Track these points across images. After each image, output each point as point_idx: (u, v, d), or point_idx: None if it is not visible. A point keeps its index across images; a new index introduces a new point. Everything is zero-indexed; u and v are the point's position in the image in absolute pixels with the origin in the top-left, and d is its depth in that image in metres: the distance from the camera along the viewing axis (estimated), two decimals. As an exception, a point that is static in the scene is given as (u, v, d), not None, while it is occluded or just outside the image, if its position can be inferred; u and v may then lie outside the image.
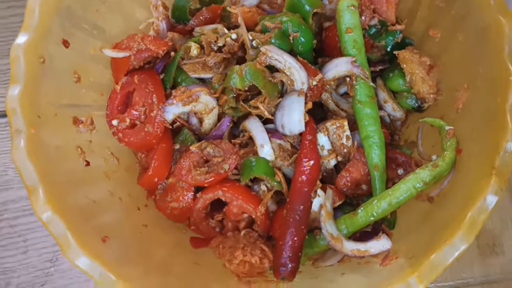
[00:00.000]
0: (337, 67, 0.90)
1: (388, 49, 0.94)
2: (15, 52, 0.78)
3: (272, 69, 0.89)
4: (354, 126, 0.91)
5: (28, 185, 0.73)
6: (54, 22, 0.84)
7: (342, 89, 0.96)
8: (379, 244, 0.79)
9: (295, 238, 0.79)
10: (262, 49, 0.85)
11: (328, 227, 0.81)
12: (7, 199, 1.14)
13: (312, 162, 0.84)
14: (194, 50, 0.91)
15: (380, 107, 0.93)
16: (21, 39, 0.79)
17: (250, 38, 0.90)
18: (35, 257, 1.10)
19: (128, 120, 0.92)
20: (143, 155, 0.95)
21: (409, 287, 0.66)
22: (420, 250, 0.70)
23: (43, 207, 0.72)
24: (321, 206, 0.83)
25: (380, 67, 0.95)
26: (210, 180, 0.84)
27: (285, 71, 0.86)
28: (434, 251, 0.66)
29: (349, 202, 0.89)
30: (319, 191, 0.84)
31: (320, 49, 0.99)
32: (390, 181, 0.88)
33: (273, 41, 0.88)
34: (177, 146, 0.92)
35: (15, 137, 0.75)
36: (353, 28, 0.91)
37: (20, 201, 1.14)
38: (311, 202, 0.82)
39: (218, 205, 0.90)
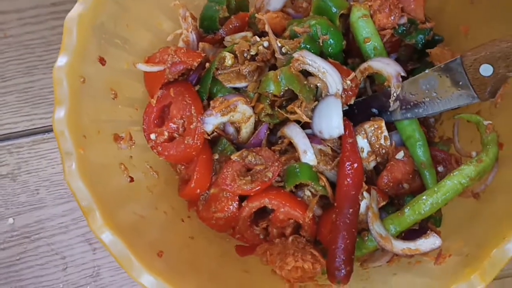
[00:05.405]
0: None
1: (419, 47, 0.95)
2: (57, 74, 0.78)
3: (305, 73, 0.90)
4: (390, 127, 0.92)
5: (83, 206, 0.73)
6: (91, 40, 0.84)
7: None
8: (429, 242, 0.80)
9: (348, 241, 0.80)
10: (295, 55, 0.86)
11: (376, 227, 0.83)
12: (42, 217, 1.14)
13: (355, 164, 0.85)
14: (229, 60, 0.91)
15: (414, 105, 0.94)
16: (62, 60, 0.79)
17: (279, 45, 0.91)
18: (75, 273, 1.10)
19: (166, 134, 0.92)
20: (182, 167, 0.95)
21: (472, 286, 0.66)
22: (476, 248, 0.72)
23: (102, 228, 0.72)
24: (367, 208, 0.84)
25: (410, 67, 0.96)
26: (256, 188, 0.85)
27: (319, 75, 0.87)
28: (494, 248, 0.67)
29: (391, 202, 0.90)
30: (364, 193, 0.85)
31: (348, 50, 1.00)
32: (430, 178, 0.89)
33: (303, 45, 0.89)
34: (216, 157, 0.93)
35: (66, 159, 0.75)
36: (370, 37, 0.93)
37: (55, 219, 1.14)
38: (359, 205, 0.83)
39: (260, 212, 0.91)
